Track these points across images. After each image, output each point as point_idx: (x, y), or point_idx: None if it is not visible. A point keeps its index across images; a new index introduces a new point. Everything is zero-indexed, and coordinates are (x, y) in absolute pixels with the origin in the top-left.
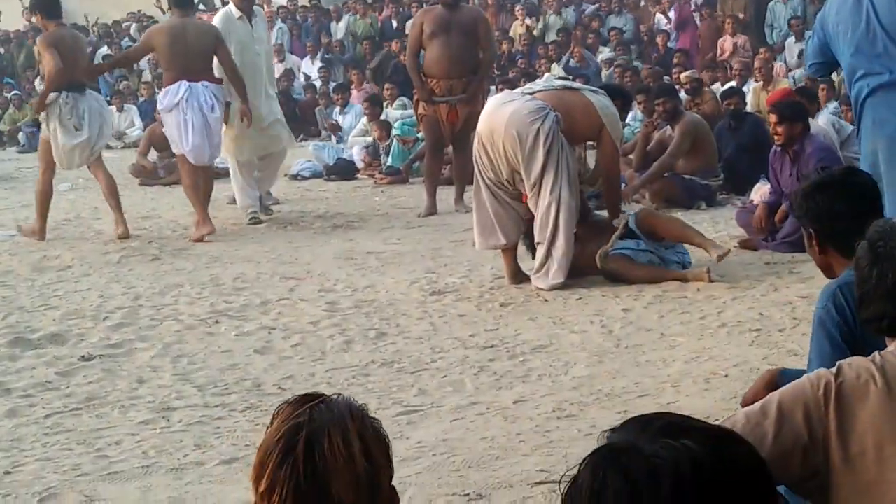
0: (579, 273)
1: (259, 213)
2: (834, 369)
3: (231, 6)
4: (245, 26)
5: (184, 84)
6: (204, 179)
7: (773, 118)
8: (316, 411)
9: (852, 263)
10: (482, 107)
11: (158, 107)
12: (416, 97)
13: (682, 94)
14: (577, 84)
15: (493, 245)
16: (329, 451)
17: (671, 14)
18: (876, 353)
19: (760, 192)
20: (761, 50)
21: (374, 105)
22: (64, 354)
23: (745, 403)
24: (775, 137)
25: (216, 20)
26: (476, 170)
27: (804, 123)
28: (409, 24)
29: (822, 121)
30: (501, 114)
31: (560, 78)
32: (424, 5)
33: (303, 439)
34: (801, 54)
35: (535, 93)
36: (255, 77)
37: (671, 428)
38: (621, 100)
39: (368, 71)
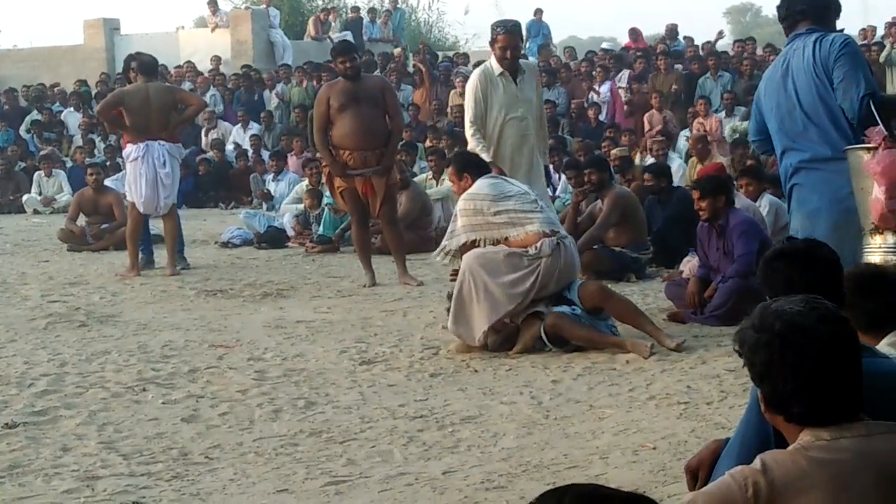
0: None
1: None
2: (758, 465)
3: (492, 60)
4: (508, 84)
5: (143, 144)
6: (170, 226)
7: (695, 194)
8: None
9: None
10: (397, 177)
11: (125, 159)
12: (326, 172)
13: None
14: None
15: (462, 338)
16: None
17: (603, 88)
18: (799, 445)
19: (689, 265)
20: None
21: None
22: None
23: (688, 469)
24: (700, 213)
25: (473, 75)
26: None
27: (727, 197)
28: None
29: (764, 202)
30: None
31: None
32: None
33: None
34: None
35: None
36: (518, 143)
37: (584, 498)
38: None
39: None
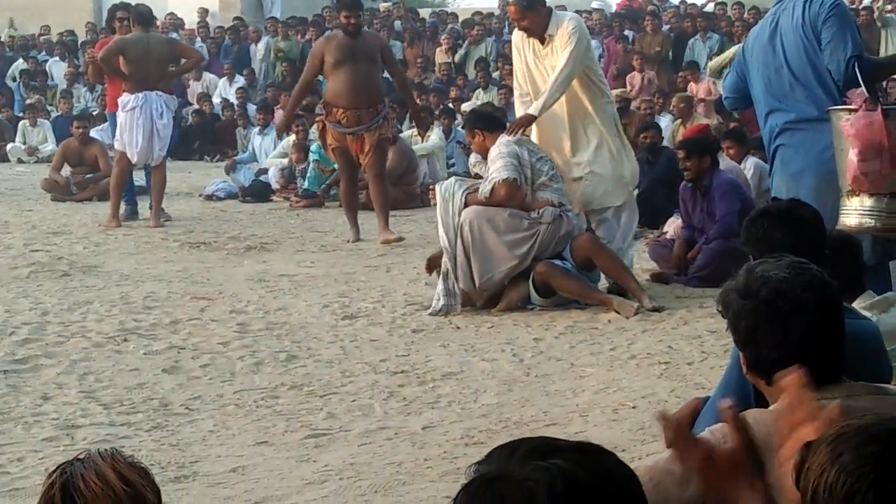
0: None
1: None
2: None
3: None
4: (539, 51)
5: (141, 94)
6: (158, 178)
7: (681, 153)
8: (68, 466)
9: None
10: (390, 132)
11: (119, 109)
12: (320, 128)
13: None
14: None
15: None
16: (86, 489)
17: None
18: (780, 407)
19: (673, 226)
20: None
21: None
22: None
23: None
24: (685, 173)
25: (512, 38)
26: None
27: (712, 158)
28: None
29: (749, 164)
30: None
31: (486, 104)
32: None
33: (58, 490)
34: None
35: None
36: (551, 115)
37: (537, 450)
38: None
39: None
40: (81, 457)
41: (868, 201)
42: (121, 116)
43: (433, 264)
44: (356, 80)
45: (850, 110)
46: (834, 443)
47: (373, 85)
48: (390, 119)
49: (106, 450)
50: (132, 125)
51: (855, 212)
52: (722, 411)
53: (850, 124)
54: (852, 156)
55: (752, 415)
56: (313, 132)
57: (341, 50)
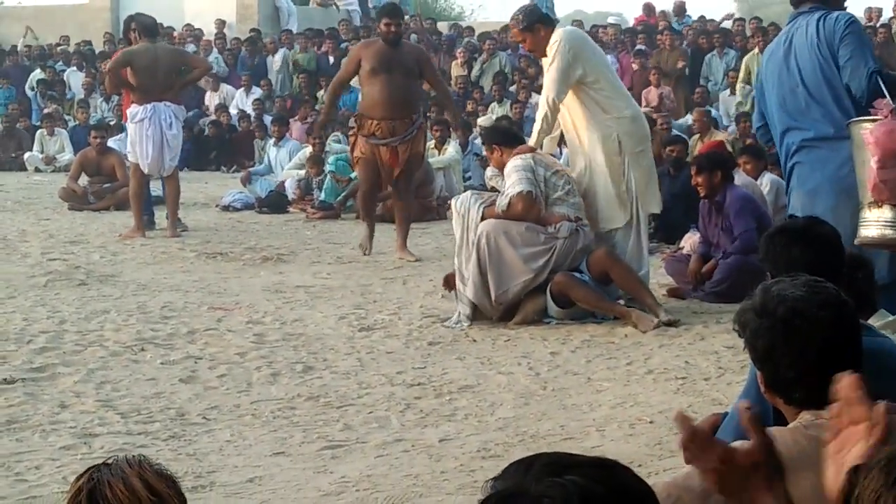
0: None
1: None
2: None
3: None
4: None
5: (150, 105)
6: (172, 188)
7: (693, 170)
8: (95, 472)
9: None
10: (422, 149)
11: (128, 120)
12: (352, 137)
13: None
14: None
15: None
16: (112, 497)
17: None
18: (799, 424)
19: (690, 241)
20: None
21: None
22: None
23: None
24: (698, 190)
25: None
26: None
27: (724, 172)
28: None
29: (765, 181)
30: None
31: (502, 118)
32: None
33: (85, 497)
34: (742, 107)
35: None
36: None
37: (553, 466)
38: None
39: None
40: (109, 462)
41: (889, 213)
42: (130, 128)
43: (452, 280)
44: (391, 91)
45: (873, 120)
46: (887, 467)
47: (409, 96)
48: (424, 130)
49: (134, 457)
50: (142, 136)
51: (876, 223)
52: (741, 412)
53: (869, 132)
54: (872, 164)
55: (771, 432)
56: (329, 145)
57: (378, 59)
